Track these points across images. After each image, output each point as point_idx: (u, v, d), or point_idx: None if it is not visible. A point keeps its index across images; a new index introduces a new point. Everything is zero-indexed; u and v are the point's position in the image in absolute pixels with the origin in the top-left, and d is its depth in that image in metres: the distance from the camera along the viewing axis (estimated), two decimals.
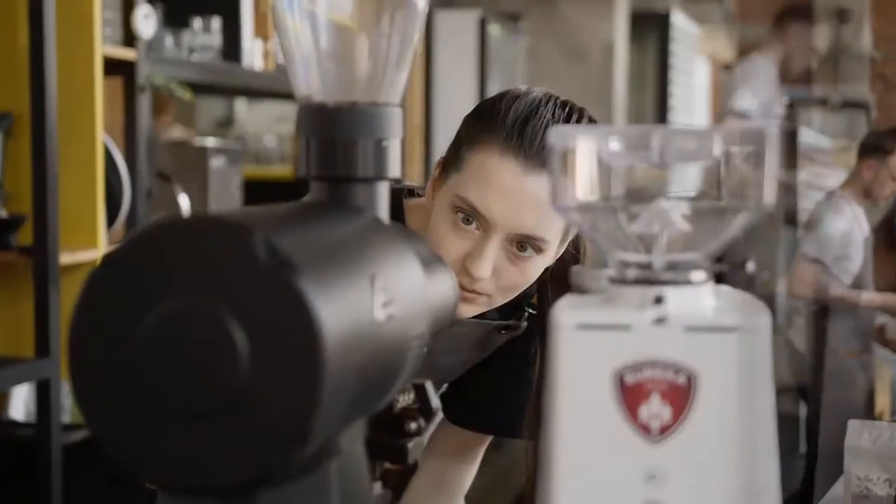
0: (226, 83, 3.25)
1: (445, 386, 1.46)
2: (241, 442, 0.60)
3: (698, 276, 0.69)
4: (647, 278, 0.68)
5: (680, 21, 7.60)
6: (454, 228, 1.22)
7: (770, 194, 0.68)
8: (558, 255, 1.30)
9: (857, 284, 4.38)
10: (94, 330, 0.62)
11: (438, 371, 1.41)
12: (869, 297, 4.44)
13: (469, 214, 1.21)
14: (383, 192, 0.80)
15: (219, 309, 0.60)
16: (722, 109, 4.39)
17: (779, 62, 4.42)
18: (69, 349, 0.63)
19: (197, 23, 3.02)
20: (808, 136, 7.01)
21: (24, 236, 2.44)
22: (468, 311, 1.26)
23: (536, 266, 1.25)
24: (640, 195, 0.72)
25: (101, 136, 2.52)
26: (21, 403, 2.67)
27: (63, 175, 2.47)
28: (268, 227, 0.62)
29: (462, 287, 1.22)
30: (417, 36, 0.82)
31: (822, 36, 4.44)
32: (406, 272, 0.75)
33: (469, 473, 1.55)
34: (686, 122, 8.18)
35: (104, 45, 2.59)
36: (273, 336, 0.60)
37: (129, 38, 2.70)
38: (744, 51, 9.81)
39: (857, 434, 1.82)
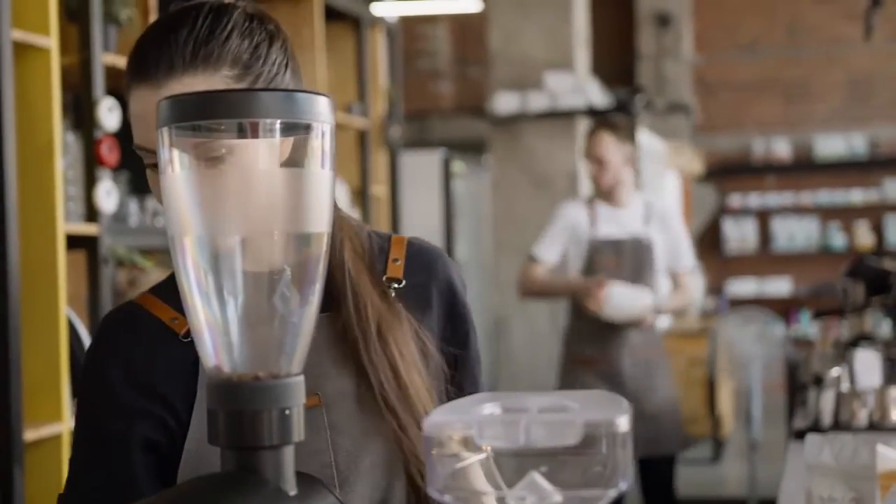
0: None
1: None
2: None
3: None
4: None
5: (646, 139, 7.77)
6: (151, 174, 1.21)
7: (629, 474, 0.75)
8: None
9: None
10: None
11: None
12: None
13: (148, 156, 1.19)
14: (289, 455, 0.87)
15: None
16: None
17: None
18: None
19: None
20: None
21: None
22: None
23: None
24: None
25: (63, 311, 2.58)
26: None
27: (26, 350, 2.52)
28: None
29: None
30: (315, 307, 0.89)
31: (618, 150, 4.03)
32: None
33: None
34: None
35: (67, 222, 2.66)
36: None
37: (92, 213, 2.78)
38: (711, 161, 10.05)
39: (818, 449, 1.67)
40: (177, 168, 0.86)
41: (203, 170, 0.91)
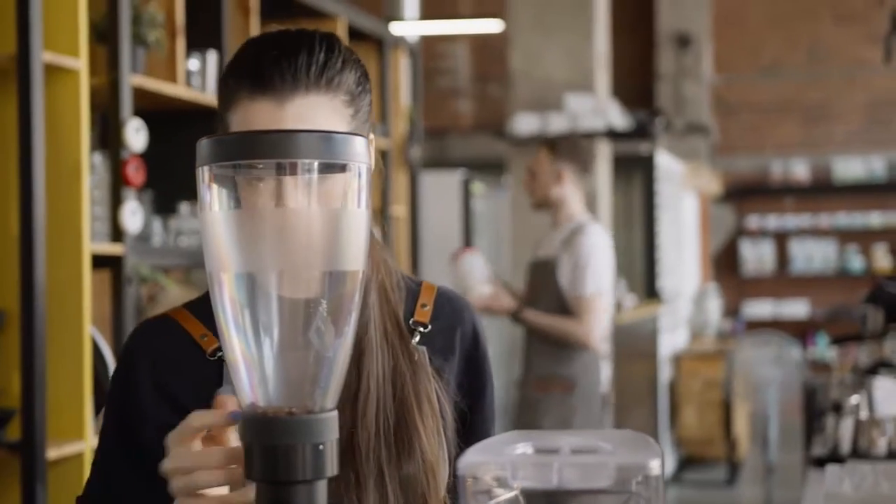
0: None
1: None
2: None
3: None
4: None
5: (664, 161, 7.77)
6: (247, 188, 1.11)
7: None
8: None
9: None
10: None
11: None
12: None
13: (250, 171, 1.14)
14: (322, 489, 0.88)
15: None
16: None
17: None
18: None
19: (184, 208, 3.14)
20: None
21: (13, 431, 2.51)
22: None
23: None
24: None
25: (88, 330, 2.61)
26: None
27: (51, 369, 2.54)
28: None
29: None
30: (350, 341, 0.90)
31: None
32: None
33: None
34: (675, 257, 8.29)
35: (93, 242, 2.69)
36: None
37: (117, 233, 2.80)
38: (730, 182, 10.04)
39: (837, 480, 1.66)
40: (216, 206, 0.88)
41: (243, 204, 0.93)
